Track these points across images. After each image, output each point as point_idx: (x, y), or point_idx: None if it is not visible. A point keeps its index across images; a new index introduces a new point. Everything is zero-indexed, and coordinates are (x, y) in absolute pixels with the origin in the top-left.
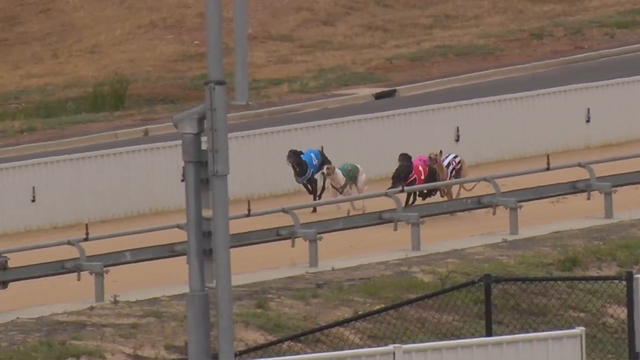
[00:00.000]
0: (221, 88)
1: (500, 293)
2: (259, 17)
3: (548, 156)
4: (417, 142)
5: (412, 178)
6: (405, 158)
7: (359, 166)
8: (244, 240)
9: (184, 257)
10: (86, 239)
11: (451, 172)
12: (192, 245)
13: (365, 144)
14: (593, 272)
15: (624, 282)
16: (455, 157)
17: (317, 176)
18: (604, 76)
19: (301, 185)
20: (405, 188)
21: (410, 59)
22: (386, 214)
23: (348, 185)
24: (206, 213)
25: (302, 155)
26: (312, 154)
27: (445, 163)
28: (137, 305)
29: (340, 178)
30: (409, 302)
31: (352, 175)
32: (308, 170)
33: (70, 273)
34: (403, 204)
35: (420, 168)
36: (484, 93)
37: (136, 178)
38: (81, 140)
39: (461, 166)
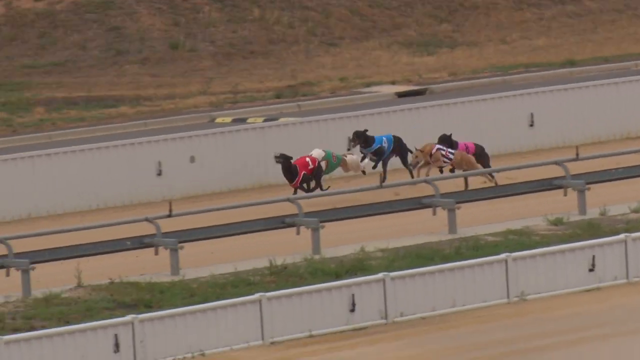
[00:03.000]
0: None
1: None
2: None
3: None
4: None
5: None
6: (285, 158)
7: (347, 157)
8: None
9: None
10: None
11: (442, 159)
12: None
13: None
14: None
15: None
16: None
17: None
18: None
19: None
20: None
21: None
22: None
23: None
24: None
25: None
26: (384, 138)
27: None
28: None
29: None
30: None
31: (335, 164)
32: (374, 145)
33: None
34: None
35: (308, 159)
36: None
37: None
38: None
39: (455, 159)
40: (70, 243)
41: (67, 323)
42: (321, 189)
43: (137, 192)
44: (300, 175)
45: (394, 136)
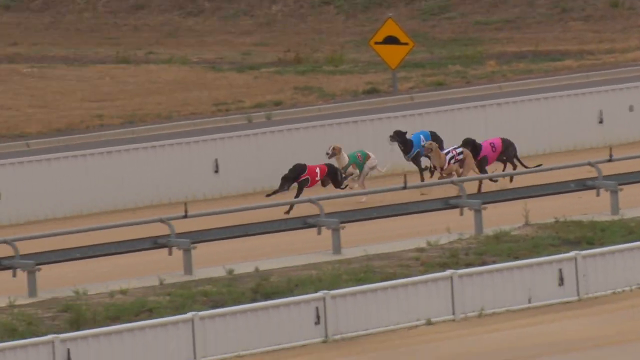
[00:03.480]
0: None
1: None
2: None
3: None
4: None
5: (304, 178)
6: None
7: (370, 154)
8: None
9: None
10: None
11: (449, 160)
12: None
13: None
14: None
15: None
16: (457, 147)
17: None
18: None
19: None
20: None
21: None
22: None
23: (351, 168)
24: None
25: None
26: (421, 135)
27: (445, 152)
28: None
29: (344, 160)
30: None
31: (359, 163)
32: (413, 149)
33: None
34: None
35: (317, 170)
36: None
37: None
38: None
39: (463, 158)
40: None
41: (516, 258)
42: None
43: (579, 139)
44: (302, 177)
45: (431, 132)
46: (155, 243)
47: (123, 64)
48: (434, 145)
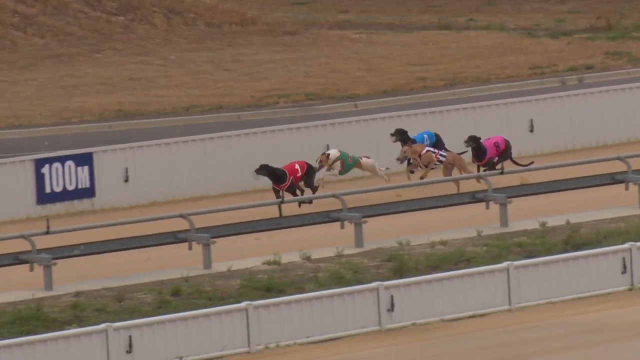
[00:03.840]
0: None
1: None
2: None
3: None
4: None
5: (290, 178)
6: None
7: (362, 159)
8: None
9: None
10: None
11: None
12: None
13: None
14: None
15: None
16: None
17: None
18: None
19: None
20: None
21: None
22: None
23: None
24: None
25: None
26: (425, 135)
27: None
28: None
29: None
30: None
31: (350, 164)
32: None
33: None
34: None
35: (297, 166)
36: None
37: None
38: None
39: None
40: None
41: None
42: (313, 192)
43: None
44: (289, 180)
45: (435, 133)
46: (474, 197)
47: (445, 30)
48: (408, 150)
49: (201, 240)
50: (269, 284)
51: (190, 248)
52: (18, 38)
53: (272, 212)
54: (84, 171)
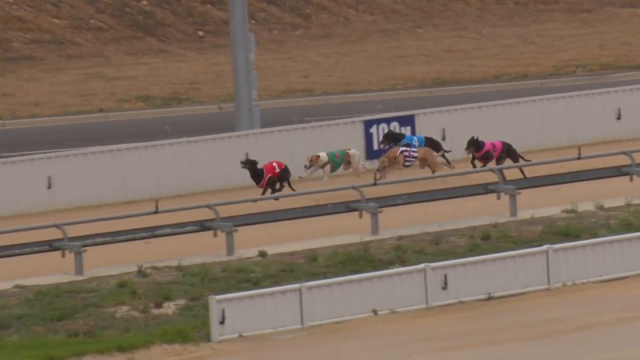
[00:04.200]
0: None
1: None
2: None
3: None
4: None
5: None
6: (251, 163)
7: (349, 151)
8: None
9: None
10: None
11: (405, 160)
12: None
13: None
14: None
15: None
16: (413, 149)
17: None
18: None
19: None
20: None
21: None
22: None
23: (328, 167)
24: None
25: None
26: (415, 137)
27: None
28: None
29: (323, 162)
30: None
31: (339, 161)
32: (403, 141)
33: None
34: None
35: (275, 164)
36: None
37: None
38: None
39: (422, 156)
40: None
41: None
42: (292, 189)
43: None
44: (266, 178)
45: (425, 137)
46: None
47: None
48: (385, 160)
49: (508, 192)
50: (566, 230)
51: (498, 198)
52: (351, 15)
53: (571, 166)
54: (406, 131)
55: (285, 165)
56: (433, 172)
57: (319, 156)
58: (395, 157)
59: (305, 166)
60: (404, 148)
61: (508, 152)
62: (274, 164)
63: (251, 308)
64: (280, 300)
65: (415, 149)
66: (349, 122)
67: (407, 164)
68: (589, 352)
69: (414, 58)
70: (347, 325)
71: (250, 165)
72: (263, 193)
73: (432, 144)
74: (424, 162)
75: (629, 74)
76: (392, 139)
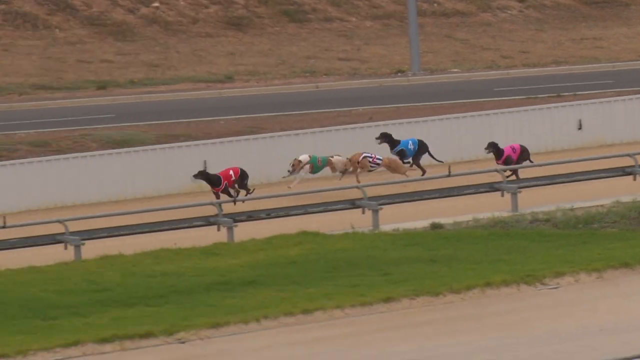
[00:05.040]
0: None
1: None
2: None
3: None
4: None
5: (224, 183)
6: (202, 174)
7: (332, 158)
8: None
9: None
10: None
11: (370, 165)
12: None
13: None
14: None
15: None
16: (378, 156)
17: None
18: None
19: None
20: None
21: None
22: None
23: (308, 166)
24: None
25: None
26: (410, 141)
27: (364, 155)
28: None
29: (306, 167)
30: None
31: (320, 166)
32: (397, 147)
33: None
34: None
35: (231, 172)
36: None
37: None
38: None
39: (387, 162)
40: None
41: None
42: (248, 192)
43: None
44: (223, 184)
45: (419, 140)
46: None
47: None
48: (348, 163)
49: None
50: None
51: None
52: None
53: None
54: None
55: (242, 170)
56: (403, 174)
57: (300, 160)
58: (358, 162)
59: (288, 170)
60: (367, 154)
61: (524, 153)
62: (231, 171)
63: None
64: None
65: (380, 157)
66: None
67: (371, 169)
68: None
69: None
70: None
71: (202, 177)
72: (218, 197)
73: (424, 146)
74: (390, 168)
75: None
76: (388, 139)
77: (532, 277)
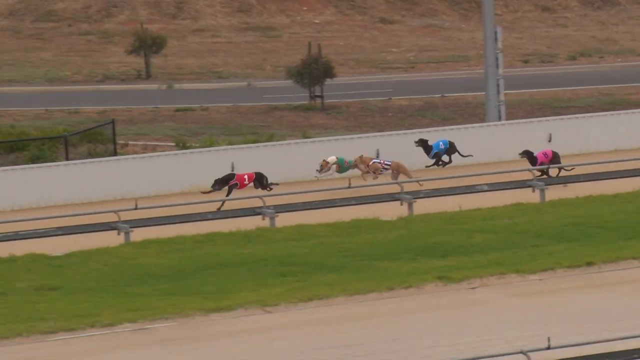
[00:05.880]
0: None
1: None
2: None
3: None
4: None
5: (233, 183)
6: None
7: (355, 159)
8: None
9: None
10: None
11: (382, 168)
12: None
13: None
14: None
15: None
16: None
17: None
18: None
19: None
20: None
21: None
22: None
23: (335, 167)
24: None
25: (428, 141)
26: (441, 142)
27: (375, 160)
28: None
29: (333, 167)
30: None
31: (346, 167)
32: (432, 152)
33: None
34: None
35: (246, 176)
36: None
37: None
38: None
39: (395, 167)
40: None
41: None
42: (269, 189)
43: None
44: (232, 183)
45: (449, 141)
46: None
47: None
48: (358, 160)
49: None
50: None
51: None
52: None
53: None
54: None
55: (257, 174)
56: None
57: (327, 161)
58: (368, 165)
59: (317, 169)
60: (376, 159)
61: (555, 158)
62: (245, 176)
63: None
64: None
65: (388, 162)
66: None
67: (382, 171)
68: None
69: None
70: None
71: (219, 185)
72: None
73: (453, 147)
74: (396, 173)
75: None
76: (423, 144)
77: None
